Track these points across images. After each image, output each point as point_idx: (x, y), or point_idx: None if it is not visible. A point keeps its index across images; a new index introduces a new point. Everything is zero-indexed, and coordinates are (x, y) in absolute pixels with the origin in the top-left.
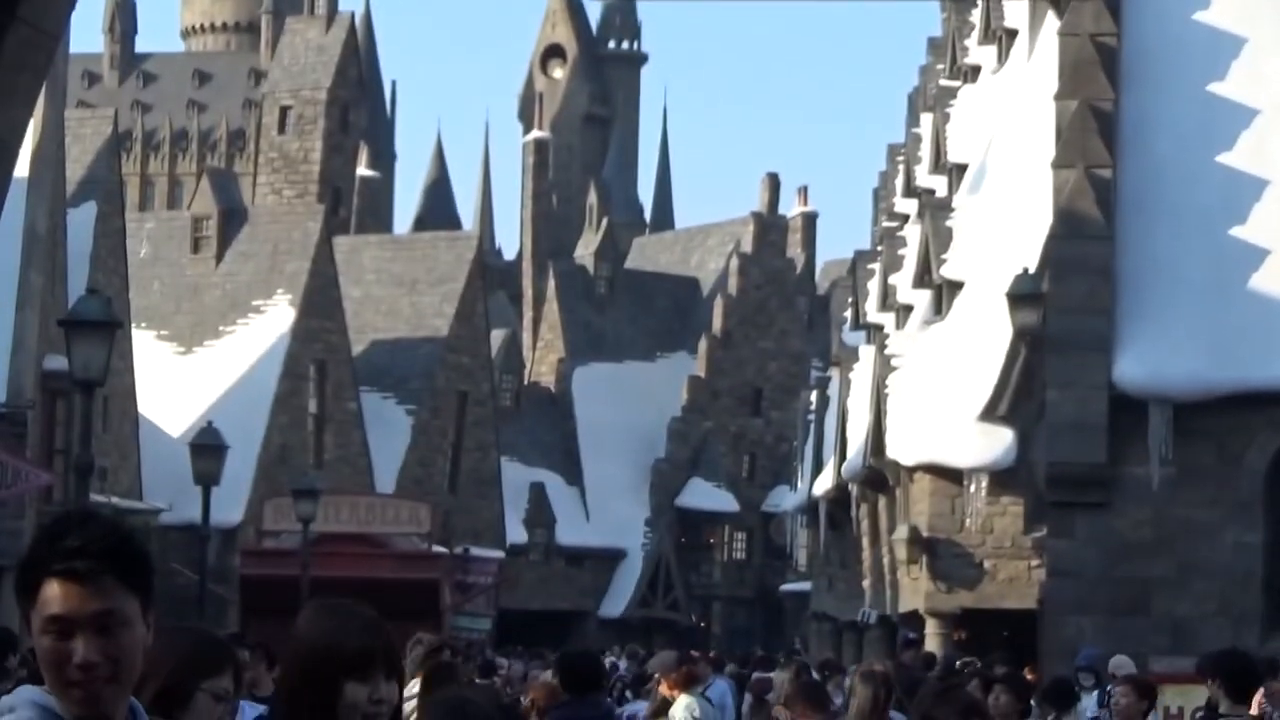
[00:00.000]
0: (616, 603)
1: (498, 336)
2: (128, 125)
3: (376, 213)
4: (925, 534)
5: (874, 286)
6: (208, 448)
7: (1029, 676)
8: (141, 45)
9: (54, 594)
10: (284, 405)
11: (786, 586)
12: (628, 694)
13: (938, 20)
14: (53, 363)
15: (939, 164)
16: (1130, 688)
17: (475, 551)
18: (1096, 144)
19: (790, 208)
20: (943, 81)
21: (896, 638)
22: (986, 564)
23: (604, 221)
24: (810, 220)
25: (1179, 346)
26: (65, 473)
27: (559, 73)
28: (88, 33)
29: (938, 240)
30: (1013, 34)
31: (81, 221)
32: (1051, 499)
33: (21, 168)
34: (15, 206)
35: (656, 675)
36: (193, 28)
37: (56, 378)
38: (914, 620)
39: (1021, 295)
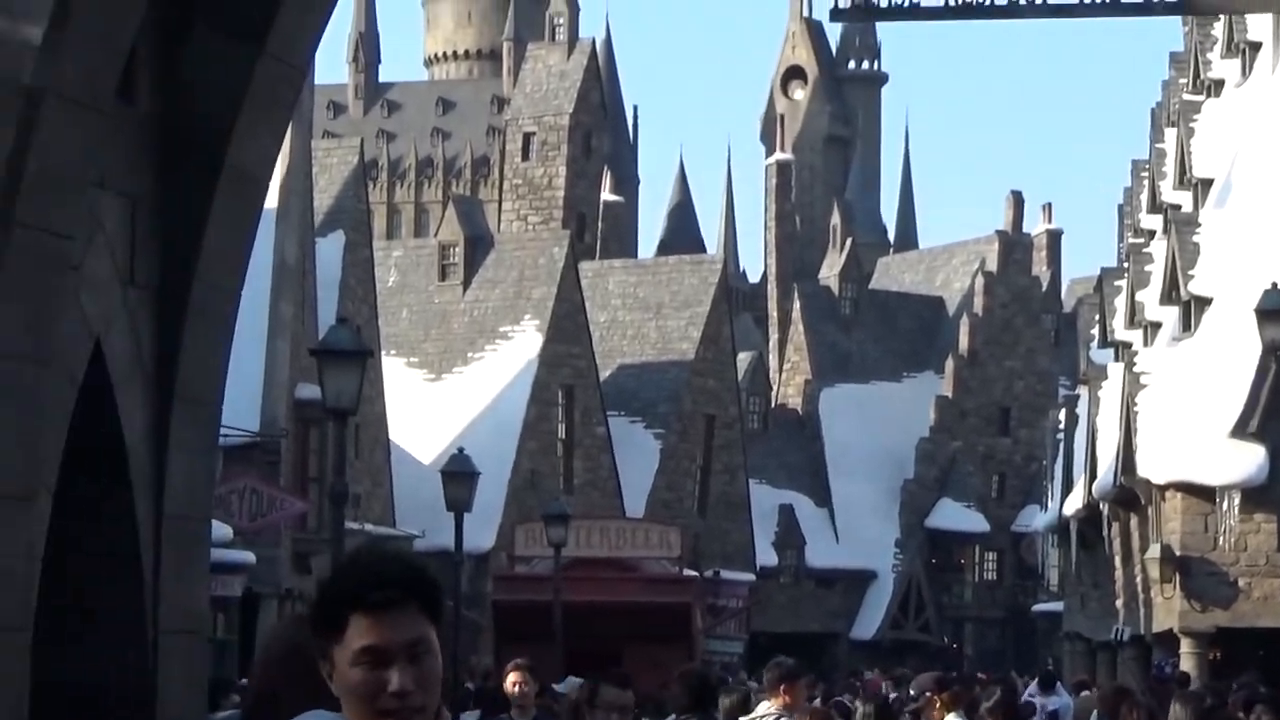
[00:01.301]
0: (868, 625)
1: (744, 359)
2: (373, 154)
3: (621, 237)
4: (1178, 552)
5: (1121, 303)
6: (459, 474)
7: None
8: (385, 75)
9: (366, 626)
10: (533, 431)
11: (1038, 607)
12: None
13: (1180, 35)
14: (304, 391)
15: (1184, 179)
16: None
17: (725, 574)
18: None
19: (1035, 225)
20: (1186, 96)
21: (1151, 658)
22: (1241, 582)
23: (848, 242)
24: (1055, 237)
25: None
26: (319, 500)
27: (800, 94)
28: (332, 63)
29: (1184, 256)
30: (1256, 47)
31: (330, 251)
32: None
33: (270, 199)
34: (265, 237)
35: (926, 694)
36: (435, 56)
37: (309, 406)
38: (1168, 640)
39: (1271, 310)
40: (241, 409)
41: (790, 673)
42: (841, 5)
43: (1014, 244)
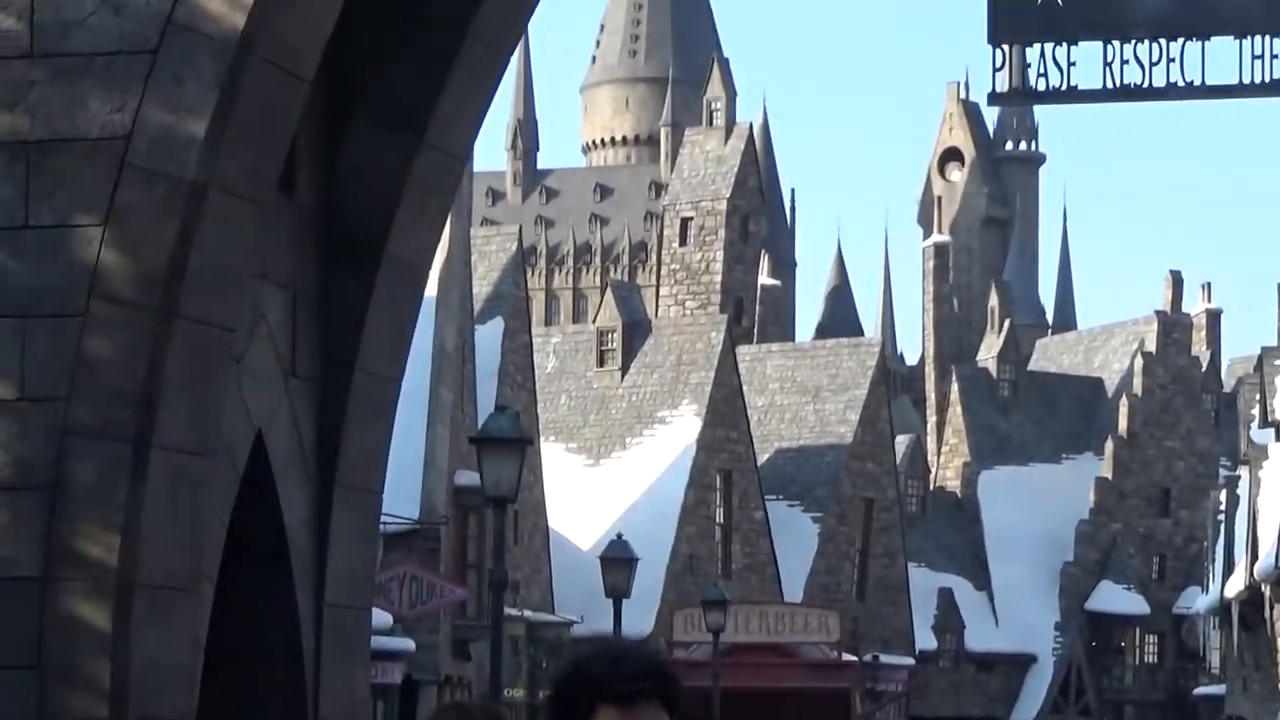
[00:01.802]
0: (1028, 708)
1: (902, 442)
2: (531, 240)
3: (778, 321)
4: None
5: None
6: (618, 560)
7: None
8: (544, 161)
9: (614, 717)
10: (691, 515)
11: (1200, 690)
12: None
13: None
14: (464, 478)
15: None
16: None
17: (885, 659)
18: None
19: (1194, 305)
20: None
21: None
22: None
23: (1006, 324)
24: (1214, 317)
25: None
26: (479, 587)
27: (957, 176)
28: (491, 150)
29: None
30: None
31: (489, 337)
32: None
33: (429, 286)
34: (424, 325)
35: None
36: (593, 142)
37: (468, 493)
38: None
39: None
40: (401, 496)
41: None
42: (999, 89)
43: (1173, 324)
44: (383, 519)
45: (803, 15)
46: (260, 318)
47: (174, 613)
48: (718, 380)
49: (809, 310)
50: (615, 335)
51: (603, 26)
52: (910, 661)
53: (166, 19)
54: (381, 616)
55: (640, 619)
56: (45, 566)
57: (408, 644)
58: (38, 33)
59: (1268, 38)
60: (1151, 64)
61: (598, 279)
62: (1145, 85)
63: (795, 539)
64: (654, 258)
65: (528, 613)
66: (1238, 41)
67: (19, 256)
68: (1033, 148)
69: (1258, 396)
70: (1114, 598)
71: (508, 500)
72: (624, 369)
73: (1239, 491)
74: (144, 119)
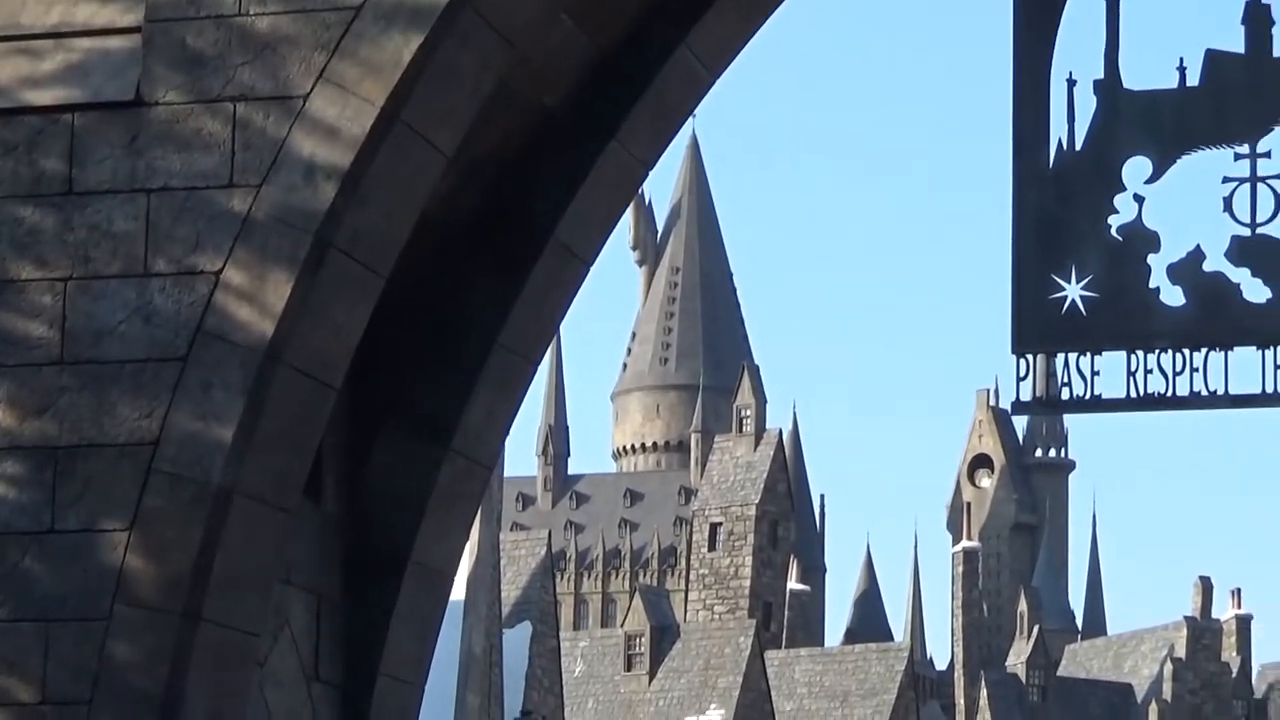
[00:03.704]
0: None
1: None
2: (561, 545)
3: (807, 626)
4: None
5: None
6: None
7: None
8: (574, 467)
9: None
10: None
11: None
12: None
13: None
14: None
15: None
16: None
17: None
18: None
19: (1224, 610)
20: None
21: None
22: None
23: (1035, 629)
24: (1245, 623)
25: None
26: None
27: (986, 482)
28: (522, 456)
29: None
30: None
31: (517, 641)
32: None
33: (457, 591)
34: (452, 629)
35: None
36: (624, 448)
37: None
38: None
39: None
40: None
41: None
42: (1024, 398)
43: (1203, 630)
44: None
45: (833, 323)
46: (284, 622)
47: None
48: (746, 685)
49: (838, 615)
50: (643, 640)
51: (634, 334)
52: None
53: (196, 328)
54: None
55: None
56: None
57: None
58: (68, 340)
59: None
60: (1175, 373)
61: (627, 583)
62: (1169, 394)
63: None
64: (683, 563)
65: None
66: (1260, 351)
67: (44, 560)
68: (1063, 454)
69: None
70: None
71: None
72: (651, 674)
73: None
74: (171, 425)
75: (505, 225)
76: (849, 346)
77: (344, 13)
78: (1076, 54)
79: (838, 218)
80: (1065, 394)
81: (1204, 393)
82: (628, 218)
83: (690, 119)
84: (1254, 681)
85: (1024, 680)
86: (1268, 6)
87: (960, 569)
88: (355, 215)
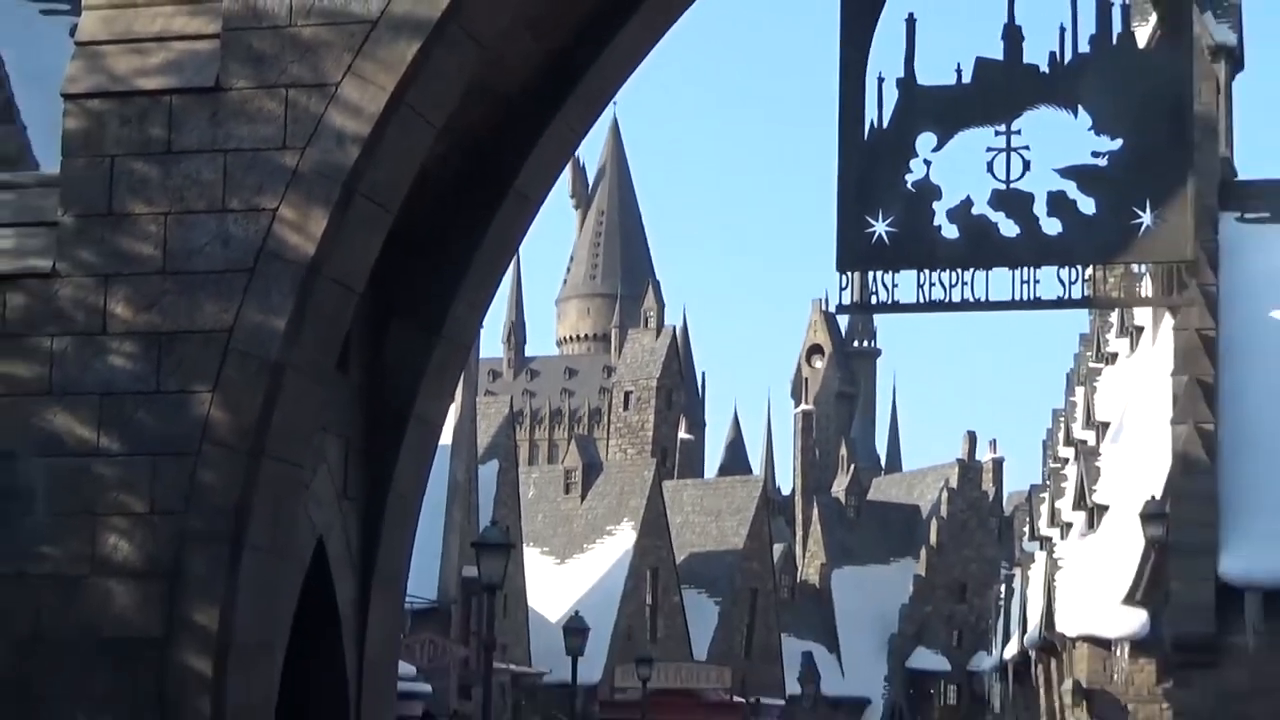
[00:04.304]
0: None
1: (778, 549)
2: (519, 407)
3: (692, 464)
4: (1085, 685)
5: (1045, 510)
6: (576, 630)
7: None
8: (529, 351)
9: None
10: (629, 599)
11: None
12: None
13: (1087, 322)
14: (468, 571)
15: (1089, 422)
16: None
17: (764, 701)
18: (1203, 407)
19: (984, 454)
20: (1091, 364)
21: None
22: (1130, 707)
23: (852, 467)
24: (998, 464)
25: (1266, 550)
26: (477, 648)
27: (819, 364)
28: (491, 344)
29: (1090, 476)
30: (1140, 329)
31: (487, 474)
32: (1176, 661)
33: (445, 437)
34: (441, 464)
35: None
36: (565, 338)
37: (470, 582)
38: None
39: (1151, 515)
40: (423, 583)
41: None
42: (844, 303)
43: (969, 468)
44: (409, 599)
45: (714, 248)
46: (323, 458)
47: (256, 664)
48: (649, 505)
49: (714, 456)
50: (577, 473)
51: (572, 258)
52: (781, 703)
53: (259, 249)
54: (406, 668)
55: (591, 672)
56: (167, 630)
57: (425, 688)
58: (168, 257)
59: (1030, 269)
60: (951, 286)
61: (566, 434)
62: (947, 300)
63: (702, 616)
64: (606, 419)
65: (511, 666)
66: (1011, 271)
67: (152, 413)
68: (872, 344)
69: (1027, 519)
70: (926, 659)
71: (496, 587)
72: (583, 496)
73: (1014, 586)
74: (242, 317)
75: (480, 178)
76: (725, 265)
77: (365, 25)
78: (885, 60)
79: (719, 172)
80: (874, 300)
81: (971, 300)
82: (566, 173)
83: (612, 103)
84: (1004, 504)
85: (843, 502)
86: (1020, 26)
87: (799, 425)
88: (372, 170)
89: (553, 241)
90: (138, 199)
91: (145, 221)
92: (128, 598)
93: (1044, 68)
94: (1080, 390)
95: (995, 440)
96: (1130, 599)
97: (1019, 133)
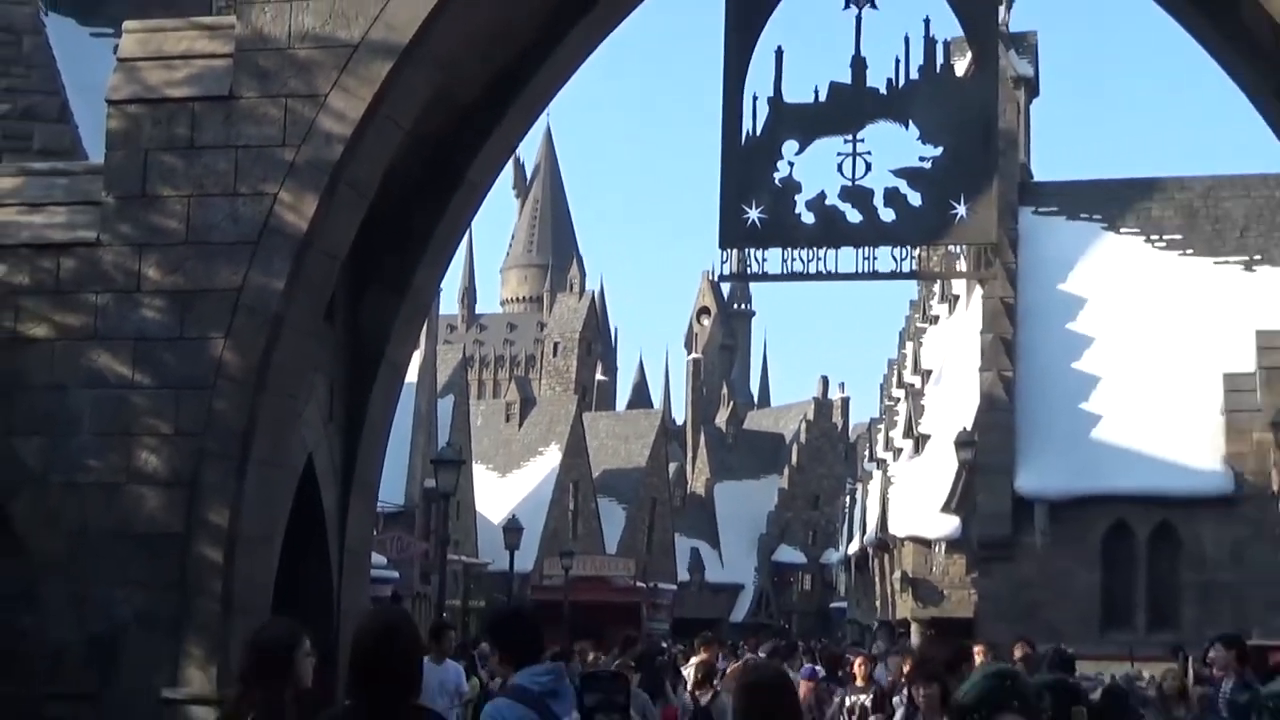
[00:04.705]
0: (739, 614)
1: (673, 467)
2: (471, 354)
3: (606, 400)
4: (910, 575)
5: (881, 438)
6: (513, 529)
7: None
8: (479, 310)
9: None
10: (556, 506)
11: (834, 605)
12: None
13: (915, 290)
14: (429, 483)
15: (916, 369)
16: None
17: (660, 586)
18: (1004, 358)
19: (835, 394)
20: (918, 324)
21: (893, 633)
22: (945, 592)
23: (732, 404)
24: (846, 402)
25: (1052, 470)
26: (434, 545)
27: (706, 321)
28: (448, 303)
29: (916, 412)
30: (956, 297)
31: (445, 406)
32: (981, 556)
33: (411, 376)
34: (408, 397)
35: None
36: (508, 299)
37: (430, 491)
38: (904, 624)
39: (963, 442)
40: (393, 491)
41: (707, 640)
42: (726, 273)
43: (823, 405)
44: (380, 504)
45: (626, 231)
46: (313, 392)
47: (258, 553)
48: (571, 432)
49: (624, 393)
50: (516, 406)
51: (513, 235)
52: (674, 588)
53: (263, 225)
54: (378, 559)
55: (525, 562)
56: (188, 527)
57: (395, 574)
58: (190, 231)
59: (870, 248)
60: (809, 261)
61: (509, 375)
62: (805, 272)
63: (613, 520)
64: (539, 364)
65: (463, 558)
66: (856, 250)
67: (176, 355)
68: (749, 307)
69: (867, 445)
70: (788, 554)
71: (451, 495)
72: (520, 424)
73: (857, 497)
74: (249, 280)
75: (439, 170)
76: (635, 242)
77: (349, 48)
78: (759, 82)
79: (631, 167)
80: (749, 271)
81: (824, 272)
82: (508, 168)
83: (545, 112)
84: (850, 433)
85: (724, 431)
86: (864, 57)
87: (691, 370)
88: (354, 164)
89: (498, 223)
90: (166, 184)
91: (172, 202)
92: (156, 501)
93: (883, 90)
94: (910, 344)
95: (844, 383)
96: (946, 508)
97: (863, 141)
